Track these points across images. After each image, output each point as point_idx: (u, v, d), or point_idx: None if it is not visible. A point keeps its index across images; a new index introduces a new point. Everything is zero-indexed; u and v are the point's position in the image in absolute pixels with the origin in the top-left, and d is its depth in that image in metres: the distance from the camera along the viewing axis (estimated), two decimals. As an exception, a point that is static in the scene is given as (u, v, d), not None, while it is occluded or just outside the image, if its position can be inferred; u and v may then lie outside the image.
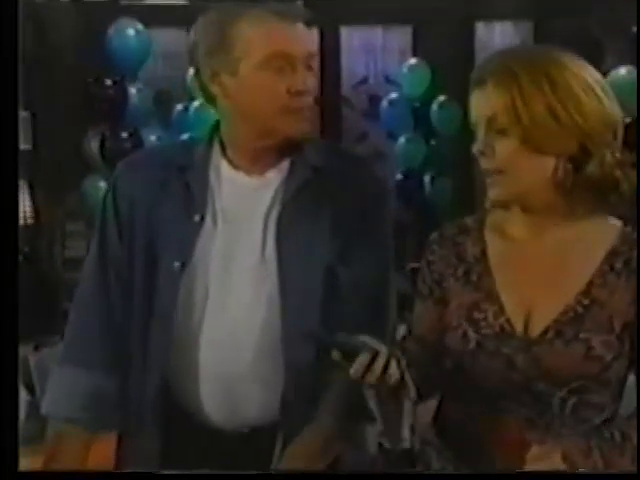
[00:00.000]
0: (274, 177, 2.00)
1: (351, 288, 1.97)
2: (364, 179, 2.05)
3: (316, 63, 1.99)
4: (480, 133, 1.75)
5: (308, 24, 1.95)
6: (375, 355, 1.67)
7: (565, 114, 1.69)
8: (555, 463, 1.64)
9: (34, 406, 3.93)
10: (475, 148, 1.76)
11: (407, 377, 1.70)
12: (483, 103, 1.74)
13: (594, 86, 1.73)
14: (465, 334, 1.78)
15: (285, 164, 2.01)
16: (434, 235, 1.91)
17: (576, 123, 1.70)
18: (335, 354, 1.70)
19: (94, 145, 5.95)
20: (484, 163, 1.75)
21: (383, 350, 1.68)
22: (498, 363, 1.75)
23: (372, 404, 1.73)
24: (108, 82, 5.85)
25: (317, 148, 2.04)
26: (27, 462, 1.77)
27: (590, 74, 1.74)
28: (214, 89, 1.97)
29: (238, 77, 1.93)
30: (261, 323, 1.95)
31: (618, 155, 1.75)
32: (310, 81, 1.96)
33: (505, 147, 1.72)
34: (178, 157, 2.06)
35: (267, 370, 1.95)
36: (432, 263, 1.88)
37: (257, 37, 1.91)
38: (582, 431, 1.73)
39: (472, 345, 1.77)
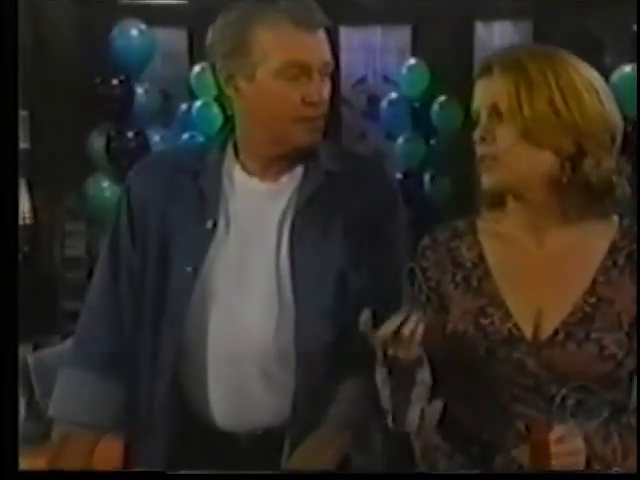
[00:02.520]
0: (288, 183, 1.99)
1: (365, 291, 1.95)
2: (376, 183, 2.04)
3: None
4: (482, 119, 1.74)
5: (327, 30, 1.94)
6: (405, 320, 1.64)
7: (566, 110, 1.69)
8: (576, 445, 1.64)
9: (33, 406, 3.92)
10: (475, 134, 1.75)
11: (425, 358, 1.69)
12: (488, 90, 1.73)
13: (598, 89, 1.73)
14: (473, 341, 1.76)
15: (299, 170, 2.00)
16: (426, 240, 1.88)
17: (575, 121, 1.69)
18: (366, 313, 1.67)
19: (97, 144, 5.95)
20: (482, 149, 1.74)
21: (415, 315, 1.65)
22: (509, 368, 1.74)
23: (381, 380, 1.70)
24: (115, 82, 5.85)
25: (330, 152, 2.03)
26: (26, 462, 1.76)
27: (595, 77, 1.74)
28: (229, 91, 1.96)
29: (254, 82, 1.92)
30: (273, 327, 1.94)
31: (614, 161, 1.74)
32: (325, 90, 1.95)
33: (505, 134, 1.71)
34: (191, 161, 2.04)
35: (278, 374, 1.95)
36: (427, 270, 1.85)
37: (274, 44, 1.90)
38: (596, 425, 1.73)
39: (481, 352, 1.75)
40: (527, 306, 1.76)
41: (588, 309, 1.74)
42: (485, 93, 1.74)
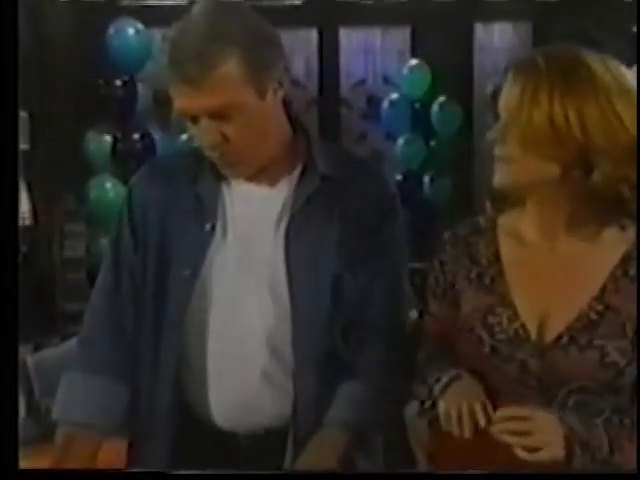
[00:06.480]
0: (284, 187, 2.00)
1: (364, 295, 1.97)
2: (373, 185, 2.05)
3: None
4: (500, 121, 1.72)
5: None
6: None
7: (564, 123, 1.66)
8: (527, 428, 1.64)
9: (32, 407, 3.93)
10: (490, 134, 1.73)
11: None
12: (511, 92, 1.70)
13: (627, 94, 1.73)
14: (480, 338, 1.76)
15: (296, 173, 2.00)
16: (447, 234, 1.90)
17: (574, 135, 1.66)
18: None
19: (96, 146, 5.95)
20: (496, 150, 1.72)
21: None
22: (512, 368, 1.74)
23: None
24: (118, 83, 5.83)
25: (327, 155, 2.03)
26: (25, 463, 1.76)
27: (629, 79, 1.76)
28: None
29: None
30: (271, 330, 1.95)
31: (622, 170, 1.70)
32: (228, 130, 1.89)
33: (514, 140, 1.69)
34: (189, 165, 2.05)
35: (278, 375, 1.96)
36: (445, 263, 1.87)
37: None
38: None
39: (486, 350, 1.75)
40: (535, 307, 1.76)
41: (594, 316, 1.72)
42: (507, 94, 1.71)
